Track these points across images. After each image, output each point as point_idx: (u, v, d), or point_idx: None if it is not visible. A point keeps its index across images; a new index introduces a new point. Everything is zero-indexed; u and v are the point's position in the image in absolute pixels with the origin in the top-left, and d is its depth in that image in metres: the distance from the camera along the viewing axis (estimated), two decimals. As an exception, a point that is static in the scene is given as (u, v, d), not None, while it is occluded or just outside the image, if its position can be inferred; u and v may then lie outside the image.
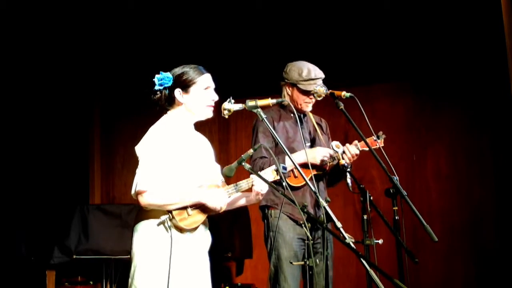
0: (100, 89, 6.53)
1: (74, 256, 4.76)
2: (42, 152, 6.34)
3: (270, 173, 2.77)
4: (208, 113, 2.76)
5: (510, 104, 4.26)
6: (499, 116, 5.04)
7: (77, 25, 5.51)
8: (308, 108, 3.53)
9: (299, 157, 3.30)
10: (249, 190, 2.76)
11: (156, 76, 2.70)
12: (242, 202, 2.86)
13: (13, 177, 6.09)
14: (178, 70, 2.73)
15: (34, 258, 4.86)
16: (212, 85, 2.77)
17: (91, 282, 5.53)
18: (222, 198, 2.64)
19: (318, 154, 3.37)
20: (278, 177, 2.75)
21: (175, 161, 2.58)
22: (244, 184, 2.74)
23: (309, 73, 3.47)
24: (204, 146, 2.83)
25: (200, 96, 2.71)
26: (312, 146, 3.52)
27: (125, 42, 5.82)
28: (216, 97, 2.76)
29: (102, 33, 5.71)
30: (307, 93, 3.48)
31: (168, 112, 2.74)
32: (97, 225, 4.89)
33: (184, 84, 2.69)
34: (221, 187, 2.71)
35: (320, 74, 3.49)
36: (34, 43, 5.68)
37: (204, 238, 2.71)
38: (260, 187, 2.73)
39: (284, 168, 2.74)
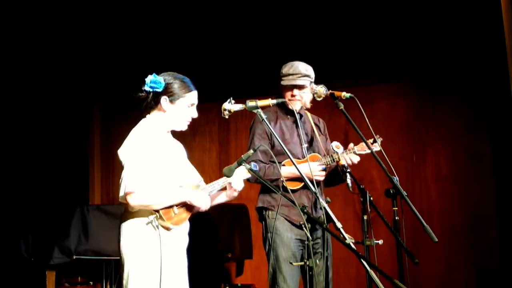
0: (100, 89, 6.52)
1: (74, 257, 4.76)
2: (42, 152, 6.34)
3: (244, 172, 2.78)
4: (184, 127, 2.83)
5: (510, 104, 4.26)
6: (499, 116, 5.04)
7: (76, 26, 5.51)
8: (296, 105, 3.51)
9: (294, 169, 3.28)
10: (224, 188, 2.85)
11: (149, 77, 2.72)
12: (221, 199, 2.92)
13: (13, 178, 6.09)
14: (169, 79, 2.77)
15: (34, 258, 4.86)
16: (196, 102, 2.82)
17: (91, 283, 5.53)
18: (206, 200, 2.74)
19: (314, 173, 3.30)
20: (250, 176, 2.82)
21: (157, 163, 2.65)
22: (221, 181, 2.80)
23: (289, 69, 3.51)
24: (179, 149, 2.91)
25: (183, 111, 2.78)
26: (309, 147, 3.52)
27: (124, 42, 5.82)
28: (196, 115, 2.83)
29: (102, 34, 5.71)
30: (288, 88, 3.50)
31: (147, 116, 2.80)
32: (97, 226, 4.88)
33: (172, 95, 2.75)
34: (200, 187, 2.81)
35: (303, 70, 3.49)
36: (34, 44, 5.67)
37: (185, 235, 2.78)
38: (237, 185, 2.82)
39: (255, 166, 2.77)
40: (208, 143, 6.10)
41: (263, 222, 3.49)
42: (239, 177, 2.80)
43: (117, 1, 5.17)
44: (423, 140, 5.42)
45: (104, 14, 5.37)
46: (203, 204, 2.72)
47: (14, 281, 5.41)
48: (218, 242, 5.18)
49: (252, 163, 2.78)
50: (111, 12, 5.33)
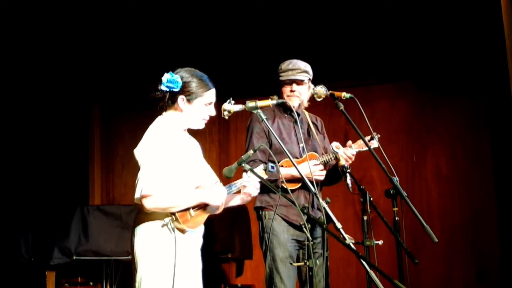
0: (100, 89, 6.52)
1: (74, 257, 4.76)
2: (42, 153, 6.34)
3: (259, 172, 2.77)
4: (201, 126, 2.77)
5: (510, 104, 4.26)
6: (499, 116, 5.04)
7: (76, 26, 5.50)
8: (294, 102, 3.49)
9: (293, 170, 3.29)
10: (239, 192, 2.80)
11: (166, 76, 2.65)
12: (236, 202, 2.88)
13: (13, 178, 6.09)
14: (187, 77, 2.69)
15: (34, 259, 4.86)
16: (214, 101, 2.76)
17: (91, 283, 5.53)
18: (221, 194, 2.66)
19: (314, 174, 3.29)
20: (266, 176, 2.78)
21: (174, 163, 2.59)
22: (238, 184, 2.76)
23: (289, 65, 3.52)
24: (195, 147, 2.84)
25: (201, 110, 2.71)
26: (306, 146, 3.51)
27: (124, 42, 5.81)
28: (214, 113, 2.76)
29: (101, 34, 5.70)
30: (287, 83, 3.50)
31: (163, 113, 2.73)
32: (97, 226, 4.88)
33: (189, 94, 2.67)
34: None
35: (302, 66, 3.51)
36: (34, 44, 5.67)
37: (199, 237, 2.74)
38: (250, 190, 2.77)
39: (272, 167, 2.76)
40: (208, 144, 6.10)
41: (260, 222, 3.49)
42: (253, 181, 2.75)
43: (117, 1, 5.17)
44: (423, 140, 5.42)
45: (104, 14, 5.36)
46: (219, 200, 2.64)
47: (14, 281, 5.41)
48: (218, 242, 5.18)
49: (270, 164, 2.77)
50: (111, 12, 5.33)
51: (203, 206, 2.63)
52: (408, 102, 5.51)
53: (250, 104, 2.80)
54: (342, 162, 3.33)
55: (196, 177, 2.67)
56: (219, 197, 2.65)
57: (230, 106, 2.83)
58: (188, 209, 2.58)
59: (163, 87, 2.66)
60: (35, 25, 5.41)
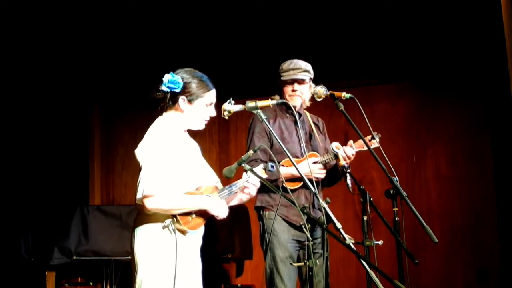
0: (100, 89, 6.53)
1: (74, 257, 4.76)
2: (42, 153, 6.34)
3: (259, 172, 2.77)
4: (201, 126, 2.78)
5: (510, 105, 4.26)
6: (499, 117, 5.04)
7: (77, 25, 5.51)
8: (296, 101, 3.50)
9: (293, 170, 3.29)
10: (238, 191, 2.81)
11: (167, 76, 2.66)
12: (235, 202, 2.89)
13: (13, 179, 6.09)
14: (188, 78, 2.70)
15: (34, 259, 4.86)
16: (214, 101, 2.76)
17: (91, 283, 5.53)
18: (225, 208, 2.69)
19: (313, 173, 3.29)
20: (266, 176, 2.78)
21: (175, 164, 2.59)
22: (239, 184, 2.76)
23: (290, 64, 3.51)
24: (194, 148, 2.84)
25: (201, 111, 2.72)
26: (307, 146, 3.52)
27: (125, 42, 5.82)
28: (214, 114, 2.77)
29: (102, 34, 5.71)
30: (289, 83, 3.49)
31: (163, 114, 2.74)
32: (97, 226, 4.89)
33: (190, 95, 2.68)
34: (218, 189, 2.75)
35: (303, 66, 3.50)
36: (34, 44, 5.67)
37: (199, 238, 2.74)
38: (250, 190, 2.77)
39: (272, 167, 2.75)
40: (208, 144, 6.11)
41: (260, 222, 3.49)
42: (253, 181, 2.76)
43: (117, 1, 5.17)
44: (423, 140, 5.42)
45: (104, 14, 5.36)
46: (222, 213, 2.66)
47: (14, 282, 5.41)
48: (218, 243, 5.18)
49: (270, 163, 2.77)
50: (111, 12, 5.33)
51: (203, 213, 2.64)
52: (408, 102, 5.51)
53: (250, 104, 2.80)
54: (342, 162, 3.33)
55: (196, 178, 2.68)
56: (222, 209, 2.67)
57: (230, 106, 2.83)
58: (190, 213, 2.58)
59: (164, 88, 2.67)
60: (35, 25, 5.41)
